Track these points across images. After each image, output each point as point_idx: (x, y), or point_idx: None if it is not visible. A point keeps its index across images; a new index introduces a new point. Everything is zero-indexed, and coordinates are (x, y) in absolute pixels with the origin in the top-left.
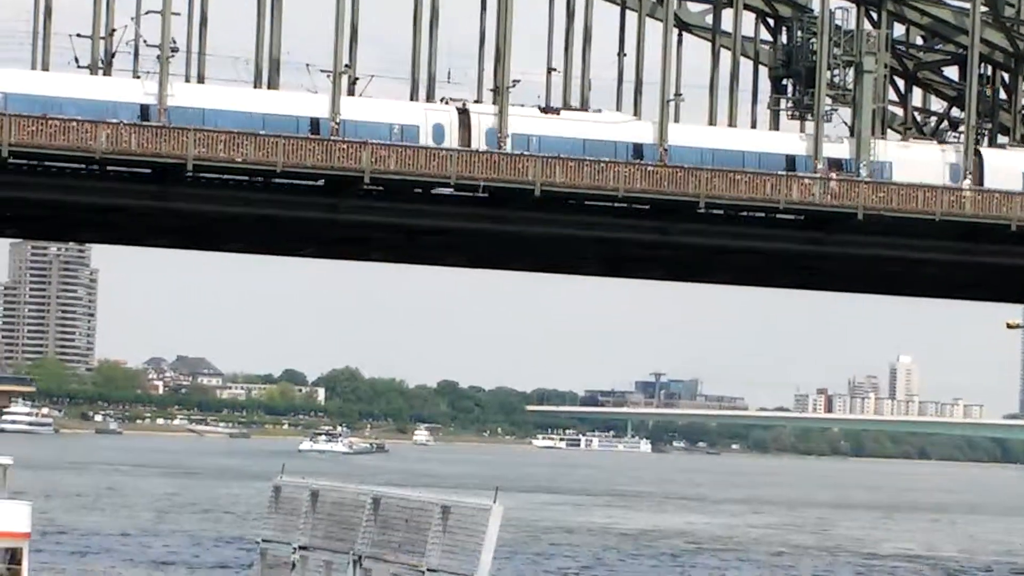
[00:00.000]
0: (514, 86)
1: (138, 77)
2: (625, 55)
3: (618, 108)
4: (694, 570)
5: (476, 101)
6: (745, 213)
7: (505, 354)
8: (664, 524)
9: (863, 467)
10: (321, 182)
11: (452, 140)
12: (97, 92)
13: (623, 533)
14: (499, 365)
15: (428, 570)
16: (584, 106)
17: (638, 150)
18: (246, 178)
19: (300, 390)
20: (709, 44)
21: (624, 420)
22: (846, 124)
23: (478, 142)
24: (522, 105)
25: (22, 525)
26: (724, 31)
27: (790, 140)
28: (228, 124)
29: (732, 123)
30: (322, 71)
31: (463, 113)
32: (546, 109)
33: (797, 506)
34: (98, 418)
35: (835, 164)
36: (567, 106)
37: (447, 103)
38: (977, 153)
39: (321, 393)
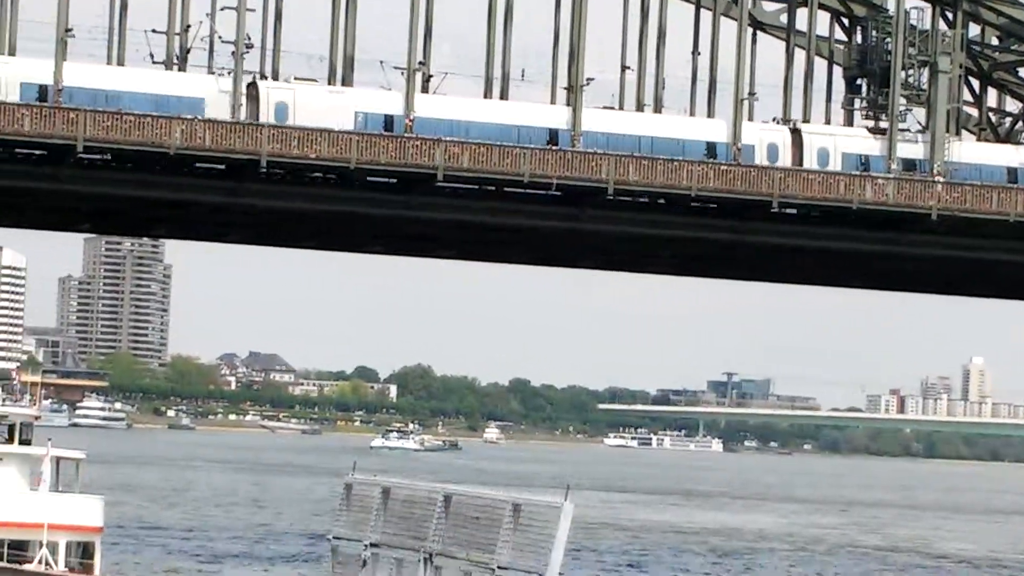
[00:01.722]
0: (588, 85)
1: (212, 73)
2: (699, 54)
3: (692, 107)
4: (752, 568)
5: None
6: (818, 213)
7: (577, 352)
8: (728, 522)
9: (934, 468)
10: (394, 179)
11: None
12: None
13: (687, 531)
14: (571, 363)
15: (499, 568)
16: (658, 106)
17: (710, 148)
18: (320, 175)
19: (372, 387)
20: (784, 43)
21: (696, 419)
22: (920, 124)
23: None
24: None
25: (95, 519)
26: (799, 30)
27: (864, 140)
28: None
29: (806, 121)
30: (396, 68)
31: None
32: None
33: (862, 506)
34: (171, 413)
35: (909, 165)
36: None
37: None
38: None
39: (393, 390)
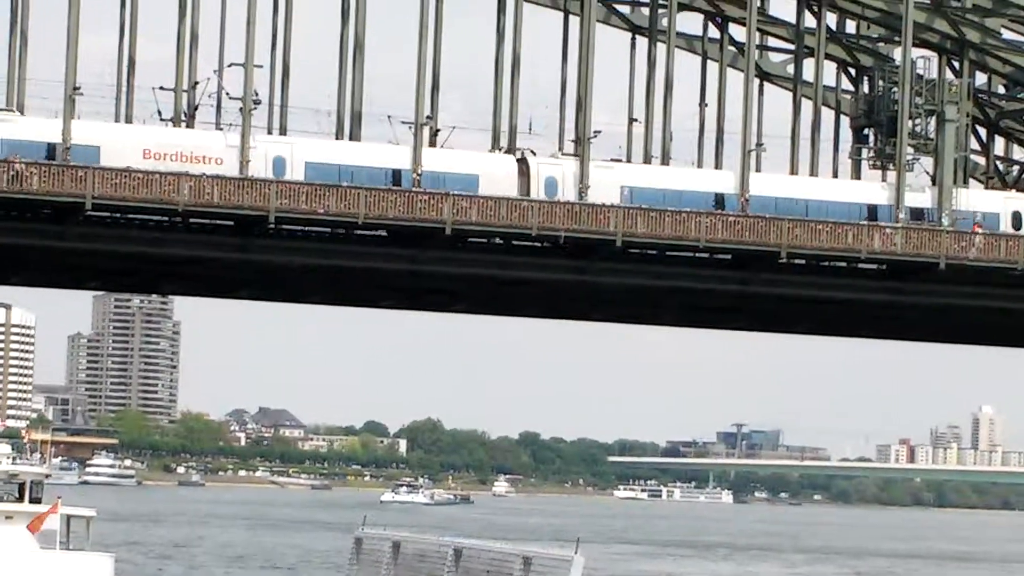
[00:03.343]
0: (595, 137)
1: (220, 129)
2: (707, 105)
3: (699, 158)
4: None
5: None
6: (826, 263)
7: (586, 405)
8: (735, 573)
9: (944, 518)
10: (403, 234)
11: None
12: None
13: None
14: (580, 416)
15: None
16: (664, 158)
17: (719, 200)
18: (328, 230)
19: (382, 441)
20: (790, 94)
21: (706, 471)
22: (928, 173)
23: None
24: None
25: None
26: (805, 81)
27: (871, 190)
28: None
29: (814, 173)
30: (403, 122)
31: None
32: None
33: (867, 555)
34: (180, 470)
35: (917, 214)
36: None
37: None
38: None
39: (403, 444)
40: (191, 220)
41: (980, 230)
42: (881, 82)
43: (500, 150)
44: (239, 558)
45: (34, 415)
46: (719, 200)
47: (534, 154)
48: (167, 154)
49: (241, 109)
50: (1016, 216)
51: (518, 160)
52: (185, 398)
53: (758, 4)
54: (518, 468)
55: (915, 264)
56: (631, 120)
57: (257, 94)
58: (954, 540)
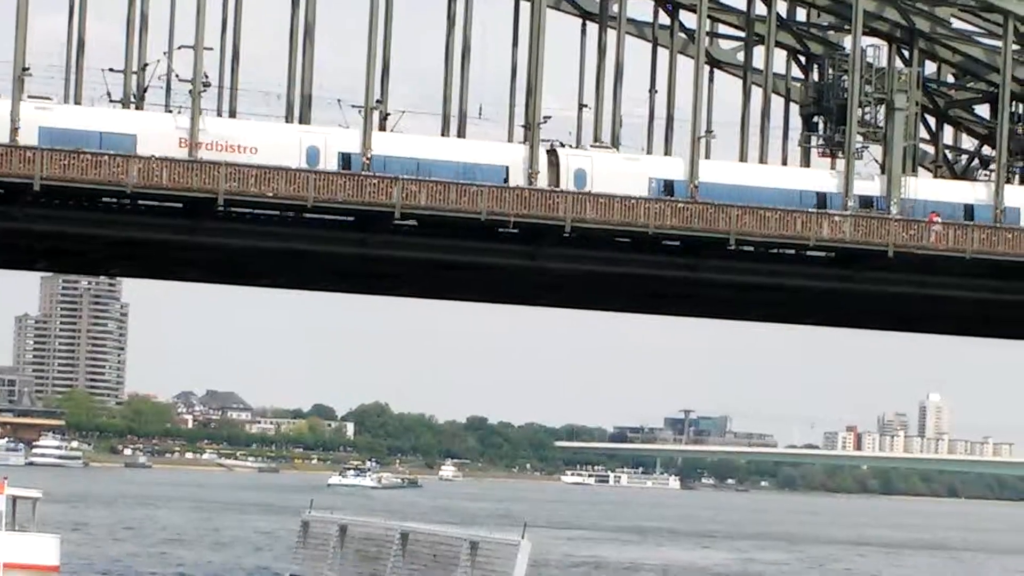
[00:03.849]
0: (545, 122)
1: (170, 111)
2: (656, 92)
3: (649, 145)
4: None
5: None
6: (775, 250)
7: (534, 390)
8: (679, 558)
9: (889, 505)
10: (351, 217)
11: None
12: None
13: (640, 567)
14: (528, 401)
15: None
16: (615, 143)
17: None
18: (277, 213)
19: (329, 425)
20: (740, 81)
21: (653, 457)
22: (877, 162)
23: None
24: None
25: (51, 558)
26: (755, 68)
27: (821, 177)
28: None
29: (763, 160)
30: (353, 106)
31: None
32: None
33: (810, 542)
34: (127, 452)
35: (865, 202)
36: (599, 143)
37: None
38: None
39: (350, 428)
40: (140, 202)
41: (937, 219)
42: (831, 70)
43: (545, 142)
44: (186, 540)
45: None
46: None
47: (563, 146)
48: (213, 143)
49: (191, 92)
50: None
51: (548, 152)
52: (133, 380)
53: None
54: (465, 453)
55: (864, 252)
56: (581, 106)
57: (207, 76)
58: (899, 528)
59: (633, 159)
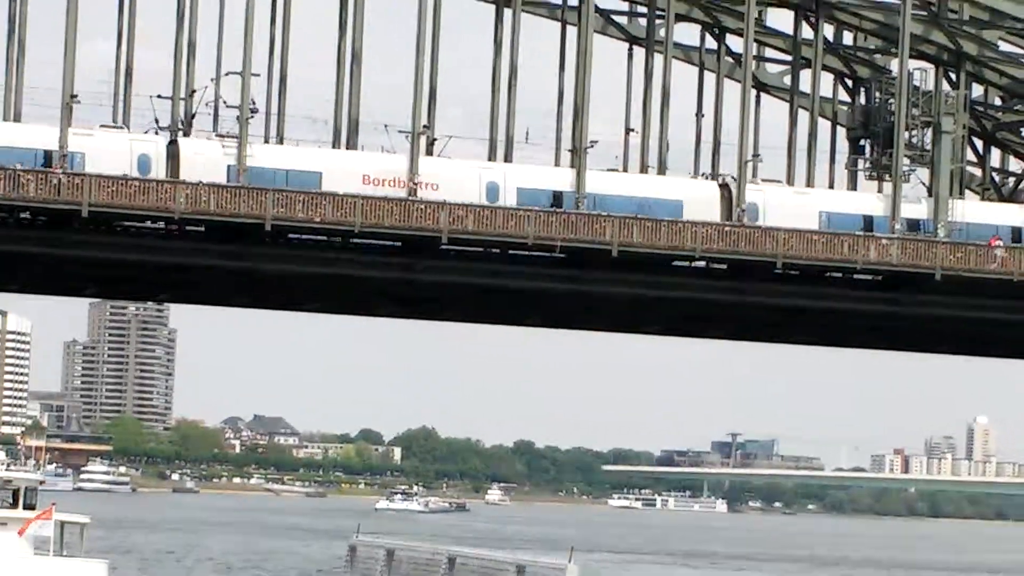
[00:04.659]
0: (592, 147)
1: (221, 136)
2: (703, 116)
3: (696, 169)
4: None
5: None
6: (822, 274)
7: (581, 414)
8: None
9: (937, 528)
10: (399, 243)
11: None
12: None
13: None
14: (575, 425)
15: None
16: (662, 168)
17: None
18: (324, 238)
19: (376, 449)
20: (787, 105)
21: (700, 480)
22: (924, 185)
23: None
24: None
25: None
26: (802, 92)
27: (868, 201)
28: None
29: (810, 183)
30: (400, 131)
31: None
32: None
33: (856, 566)
34: (175, 477)
35: (912, 225)
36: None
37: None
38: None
39: (397, 452)
40: (187, 228)
41: (999, 242)
42: (878, 93)
43: (703, 175)
44: (233, 565)
45: (29, 422)
46: None
47: (735, 180)
48: (385, 180)
49: (238, 118)
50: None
51: (720, 186)
52: (180, 405)
53: (755, 15)
54: (512, 477)
55: (911, 275)
56: (628, 130)
57: (254, 102)
58: (946, 550)
59: (803, 192)
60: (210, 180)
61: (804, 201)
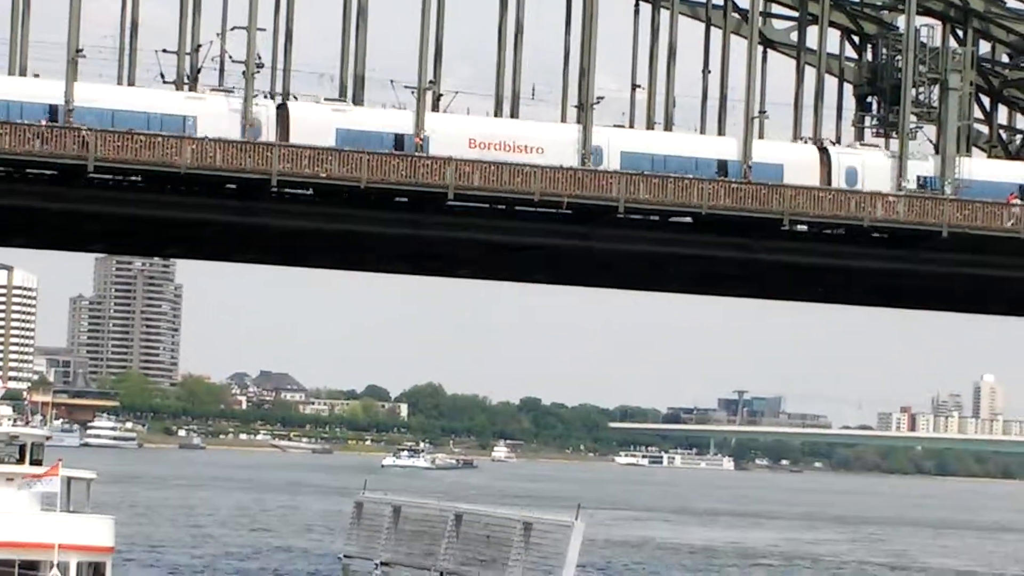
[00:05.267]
0: (598, 103)
1: (230, 91)
2: (710, 72)
3: (702, 125)
4: None
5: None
6: (829, 231)
7: (588, 371)
8: (734, 539)
9: (944, 486)
10: (405, 198)
11: None
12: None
13: (685, 547)
14: (582, 382)
15: None
16: (668, 124)
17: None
18: (330, 194)
19: (383, 406)
20: (794, 61)
21: (707, 437)
22: (931, 142)
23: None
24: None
25: (106, 539)
26: (809, 48)
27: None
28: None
29: (817, 141)
30: (406, 87)
31: None
32: None
33: (861, 523)
34: (181, 433)
35: (919, 182)
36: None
37: None
38: None
39: (404, 409)
40: (193, 183)
41: (1017, 200)
42: (885, 50)
43: (802, 140)
44: (239, 521)
45: (35, 377)
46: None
47: (833, 144)
48: (491, 144)
49: (244, 72)
50: None
51: (820, 149)
52: (186, 361)
53: None
54: (519, 433)
55: (917, 232)
56: (634, 87)
57: (260, 57)
58: (952, 508)
59: (889, 154)
60: (320, 143)
61: (885, 162)
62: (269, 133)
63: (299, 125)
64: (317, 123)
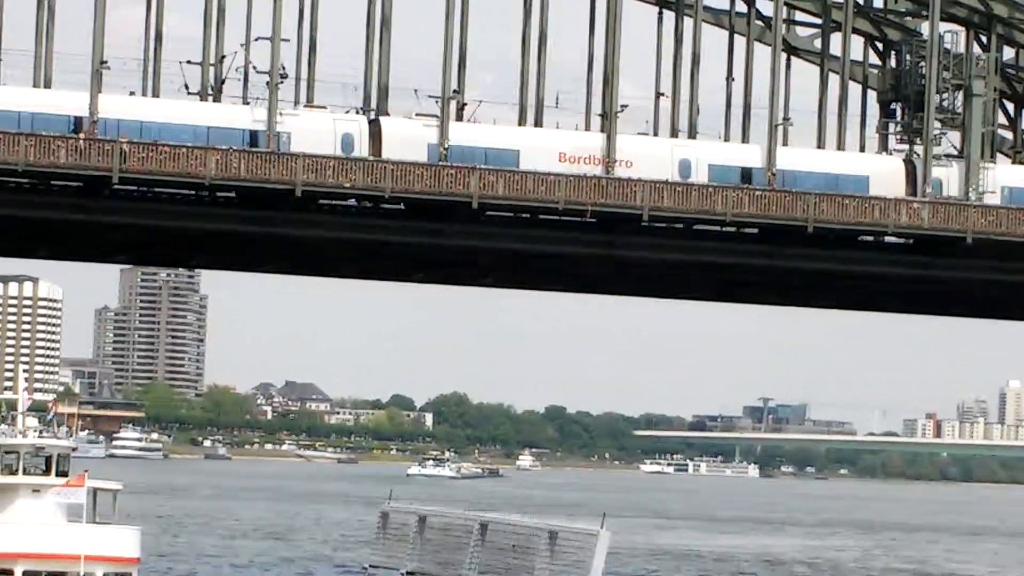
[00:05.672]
0: (622, 111)
1: (247, 103)
2: (733, 79)
3: (727, 133)
4: None
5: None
6: (854, 237)
7: (613, 379)
8: (748, 545)
9: (970, 492)
10: (431, 208)
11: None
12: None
13: (709, 554)
14: (607, 390)
15: None
16: (692, 132)
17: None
18: (355, 203)
19: (408, 415)
20: (817, 68)
21: (732, 445)
22: (955, 148)
23: None
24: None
25: (132, 550)
26: (833, 55)
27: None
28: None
29: (841, 147)
30: (430, 96)
31: None
32: None
33: (883, 530)
34: (207, 443)
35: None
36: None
37: None
38: None
39: (429, 418)
40: (218, 194)
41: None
42: (908, 56)
43: (887, 152)
44: (265, 531)
45: (61, 388)
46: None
47: (918, 156)
48: (581, 157)
49: (268, 83)
50: None
51: (904, 161)
52: (212, 371)
53: None
54: (544, 442)
55: (942, 238)
56: (658, 94)
57: (284, 68)
58: (977, 515)
59: (986, 167)
60: (412, 158)
61: (986, 176)
62: (361, 148)
63: (391, 140)
64: (409, 138)
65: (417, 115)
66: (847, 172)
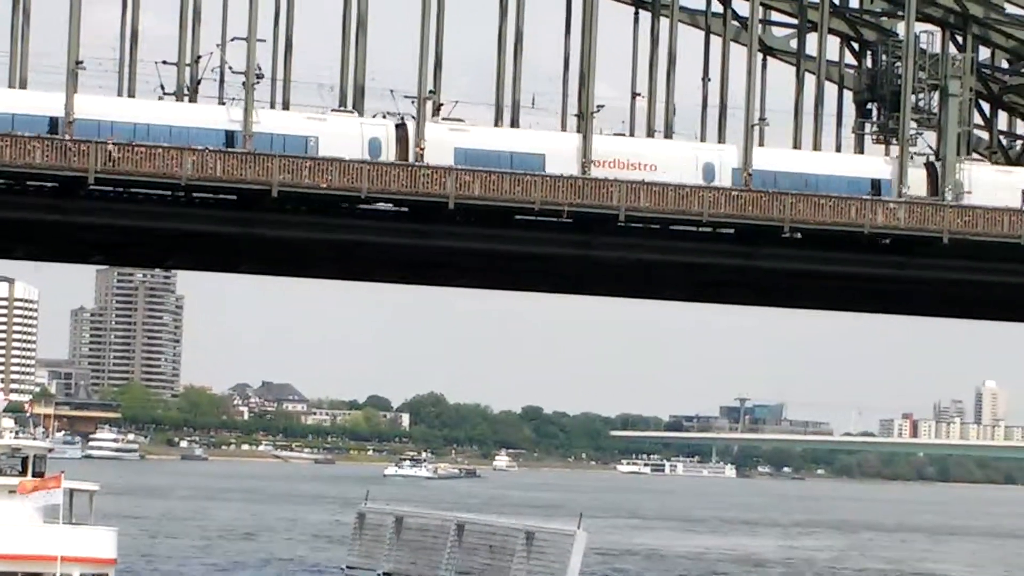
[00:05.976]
0: (598, 111)
1: (223, 103)
2: (709, 80)
3: (702, 133)
4: None
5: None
6: (830, 237)
7: (590, 379)
8: (723, 545)
9: (946, 492)
10: (406, 208)
11: None
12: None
13: (694, 556)
14: (583, 390)
15: None
16: (668, 132)
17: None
18: (331, 204)
19: (385, 416)
20: (793, 68)
21: (709, 445)
22: (931, 148)
23: None
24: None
25: (108, 551)
26: (809, 55)
27: (875, 164)
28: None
29: (816, 147)
30: (406, 96)
31: None
32: None
33: (859, 529)
34: (183, 444)
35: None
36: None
37: None
38: None
39: (406, 419)
40: (194, 194)
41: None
42: (884, 56)
43: (887, 154)
44: (242, 532)
45: (37, 389)
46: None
47: (939, 159)
48: (607, 162)
49: (244, 83)
50: None
51: (925, 164)
52: (188, 372)
53: None
54: (521, 442)
55: (918, 238)
56: (634, 95)
57: (260, 68)
58: (954, 514)
59: (1007, 171)
60: (439, 163)
61: (1008, 180)
62: (388, 153)
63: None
64: (436, 142)
65: (443, 119)
66: (866, 176)
